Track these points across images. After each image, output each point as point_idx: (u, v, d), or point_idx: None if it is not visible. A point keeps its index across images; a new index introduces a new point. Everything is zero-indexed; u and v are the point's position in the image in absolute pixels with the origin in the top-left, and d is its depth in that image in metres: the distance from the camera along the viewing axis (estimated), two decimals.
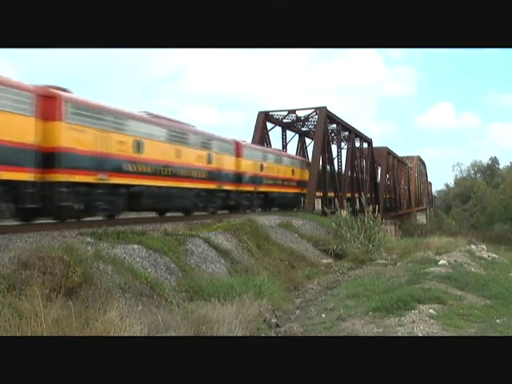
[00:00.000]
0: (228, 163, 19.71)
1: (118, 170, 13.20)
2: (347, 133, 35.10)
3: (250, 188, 21.91)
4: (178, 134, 16.39)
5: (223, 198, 19.35)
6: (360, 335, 7.66)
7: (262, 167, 23.08)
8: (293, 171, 27.56)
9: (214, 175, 18.39)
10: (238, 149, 20.93)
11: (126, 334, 6.13)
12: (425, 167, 77.55)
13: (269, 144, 31.18)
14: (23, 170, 10.34)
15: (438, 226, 50.07)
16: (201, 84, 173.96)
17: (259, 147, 25.28)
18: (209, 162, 18.00)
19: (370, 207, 23.15)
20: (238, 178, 20.47)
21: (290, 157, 29.18)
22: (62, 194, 11.34)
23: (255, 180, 22.31)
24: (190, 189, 16.73)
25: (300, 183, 28.31)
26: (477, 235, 33.32)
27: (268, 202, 24.37)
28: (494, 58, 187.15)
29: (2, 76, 10.20)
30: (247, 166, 21.59)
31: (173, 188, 15.59)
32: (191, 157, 16.92)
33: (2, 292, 6.63)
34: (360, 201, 29.52)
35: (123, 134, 13.44)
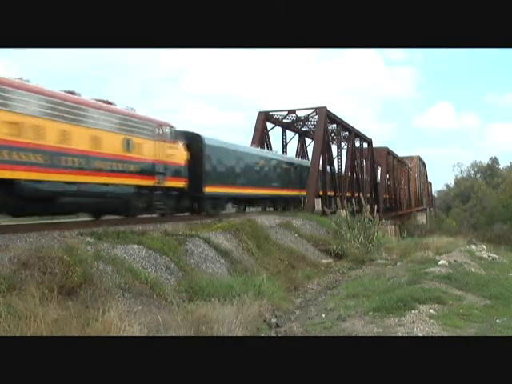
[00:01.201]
0: None
1: None
2: (347, 133, 35.11)
3: None
4: None
5: None
6: (360, 335, 7.66)
7: None
8: (128, 143, 13.41)
9: None
10: None
11: (125, 334, 6.13)
12: (425, 167, 77.54)
13: (269, 144, 31.14)
14: None
15: (437, 226, 50.09)
16: (200, 84, 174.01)
17: None
18: None
19: (368, 207, 23.12)
20: None
21: (120, 113, 13.64)
22: None
23: None
24: None
25: (152, 169, 14.54)
26: (477, 235, 33.33)
27: (24, 203, 10.46)
28: (494, 58, 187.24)
29: None
30: None
31: None
32: None
33: (1, 292, 6.64)
34: (359, 201, 29.55)
35: None
